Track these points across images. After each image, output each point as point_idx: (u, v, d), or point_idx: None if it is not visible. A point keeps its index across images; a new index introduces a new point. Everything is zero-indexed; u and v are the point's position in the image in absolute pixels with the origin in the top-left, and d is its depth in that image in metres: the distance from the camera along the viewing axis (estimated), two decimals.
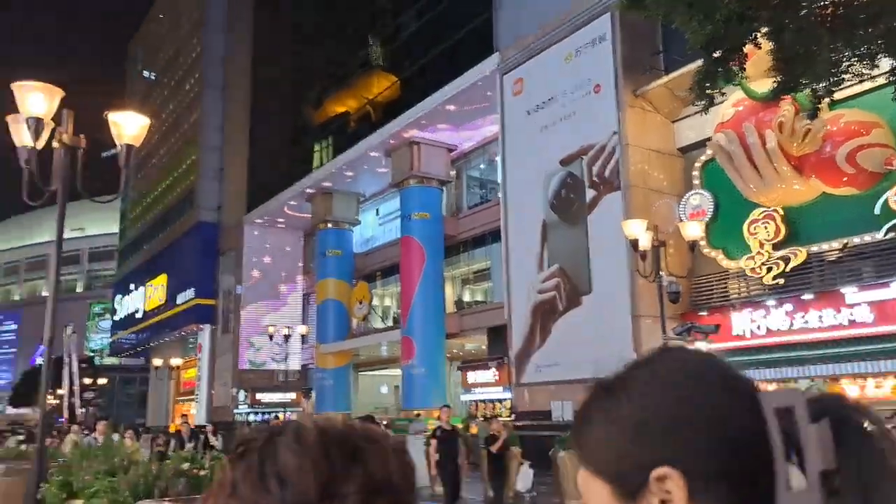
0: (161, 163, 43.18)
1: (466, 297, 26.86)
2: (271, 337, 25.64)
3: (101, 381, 42.91)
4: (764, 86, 15.06)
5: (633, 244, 11.19)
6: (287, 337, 27.76)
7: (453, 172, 25.89)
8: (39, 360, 60.31)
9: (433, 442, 9.99)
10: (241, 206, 34.27)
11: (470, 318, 23.84)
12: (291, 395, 32.10)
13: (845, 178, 14.23)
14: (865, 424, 0.62)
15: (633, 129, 17.47)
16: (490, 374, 21.74)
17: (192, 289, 35.38)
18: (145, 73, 48.77)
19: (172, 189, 40.45)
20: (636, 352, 16.35)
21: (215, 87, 37.93)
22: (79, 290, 71.45)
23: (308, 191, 29.53)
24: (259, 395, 31.33)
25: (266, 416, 29.52)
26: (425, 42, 24.69)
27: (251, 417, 30.38)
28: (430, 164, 24.39)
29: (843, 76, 7.16)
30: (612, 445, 0.67)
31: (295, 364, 32.91)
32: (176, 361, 39.48)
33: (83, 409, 38.76)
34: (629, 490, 0.64)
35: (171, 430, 26.24)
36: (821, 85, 7.15)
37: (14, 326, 71.92)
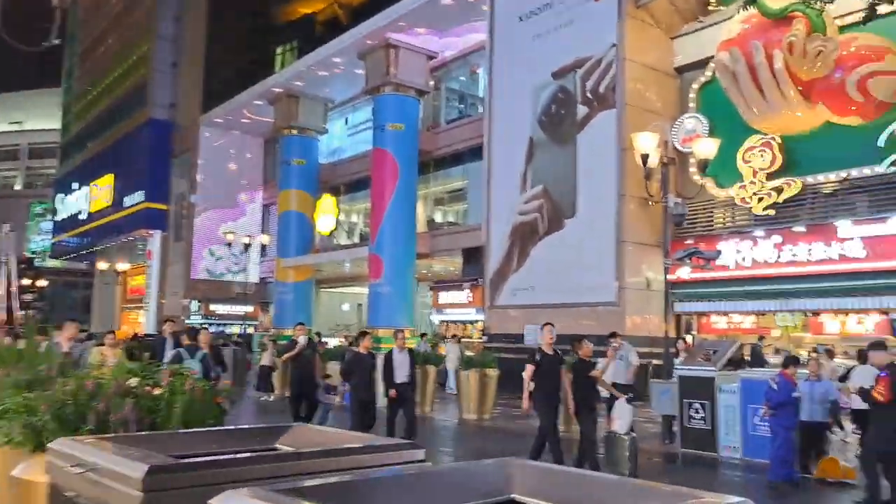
0: (110, 52, 39.89)
1: (438, 218, 25.97)
2: (230, 245, 24.25)
3: (41, 283, 41.01)
4: (777, 3, 14.20)
5: (643, 159, 10.38)
6: (247, 247, 26.49)
7: (432, 83, 24.43)
8: None
9: (530, 368, 8.15)
10: (197, 105, 32.03)
11: (443, 239, 23.02)
12: (248, 308, 31.13)
13: (853, 107, 13.61)
14: None
15: (631, 44, 16.42)
16: (463, 296, 21.17)
17: (142, 191, 33.39)
18: None
19: (122, 82, 37.52)
20: (619, 279, 15.89)
21: None
22: (17, 187, 67.70)
23: (272, 91, 27.63)
24: (213, 307, 30.26)
25: (221, 328, 28.58)
26: None
27: (210, 329, 29.41)
28: (408, 71, 22.86)
29: None
30: None
31: (254, 277, 31.79)
32: (122, 267, 37.77)
33: (22, 312, 37.10)
34: None
35: (119, 336, 24.96)
36: None
37: None
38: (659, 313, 13.78)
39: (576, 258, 16.43)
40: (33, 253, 61.18)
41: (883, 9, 9.37)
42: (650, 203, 12.01)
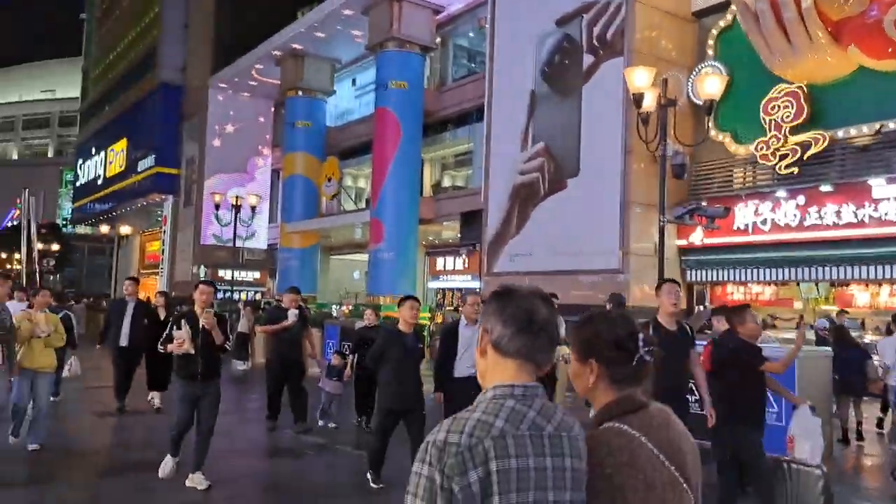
0: (124, 16, 39.33)
1: (446, 182, 24.77)
2: (237, 209, 23.51)
3: (55, 247, 41.15)
4: None
5: (636, 100, 9.02)
6: (253, 209, 25.73)
7: (438, 40, 23.08)
8: (9, 225, 58.33)
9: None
10: (206, 67, 31.23)
11: (447, 203, 21.85)
12: (256, 274, 30.50)
13: (891, 49, 11.92)
14: None
15: None
16: (460, 262, 20.02)
17: (153, 156, 32.90)
18: None
19: (134, 45, 36.93)
20: (623, 243, 14.56)
21: None
22: (50, 154, 68.58)
23: (277, 53, 26.58)
24: (221, 273, 29.69)
25: (228, 294, 28.02)
26: None
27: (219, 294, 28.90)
28: (413, 26, 21.55)
29: None
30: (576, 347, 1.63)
31: (261, 243, 31.15)
32: (125, 230, 37.39)
33: (43, 278, 37.24)
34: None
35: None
36: None
37: None
38: None
39: (578, 221, 15.13)
40: (64, 220, 62.00)
41: None
42: (650, 149, 10.63)
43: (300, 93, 26.32)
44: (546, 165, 16.03)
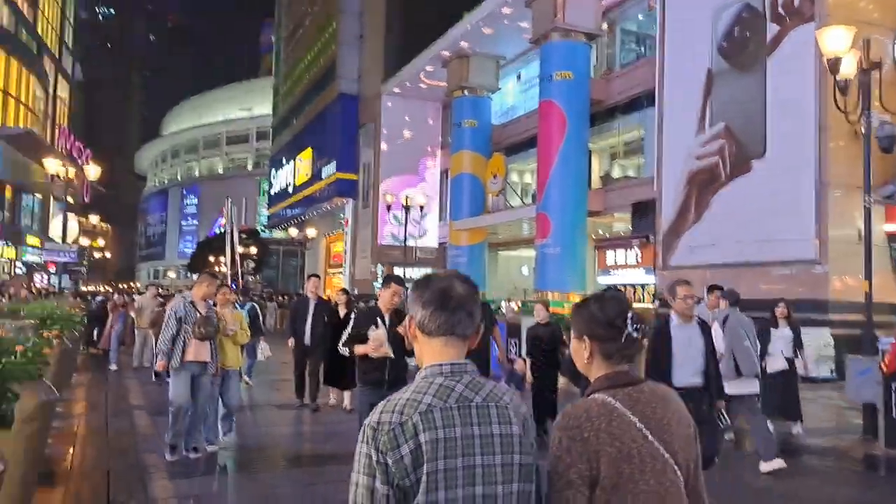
0: (307, 33, 42.53)
1: (616, 173, 23.83)
2: (407, 209, 24.55)
3: (253, 250, 45.27)
4: None
5: (832, 66, 7.94)
6: (421, 208, 26.64)
7: (605, 26, 22.25)
8: (217, 231, 65.57)
9: None
10: (379, 76, 32.80)
11: (617, 194, 21.01)
12: (428, 271, 31.44)
13: None
14: None
15: None
16: (632, 256, 19.07)
17: (334, 162, 35.19)
18: None
19: (316, 61, 39.79)
20: (820, 230, 13.01)
21: None
22: (249, 167, 75.84)
23: (444, 53, 27.18)
24: (397, 270, 30.99)
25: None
26: None
27: None
28: (577, 14, 20.93)
29: None
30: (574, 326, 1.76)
31: (432, 241, 32.09)
32: (311, 233, 40.20)
33: (244, 278, 41.31)
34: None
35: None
36: None
37: (195, 200, 78.53)
38: (878, 273, 10.84)
39: (766, 207, 13.78)
40: (262, 225, 68.38)
41: None
42: (850, 119, 9.33)
43: (465, 92, 26.71)
44: (727, 147, 14.80)
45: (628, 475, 1.56)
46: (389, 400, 1.53)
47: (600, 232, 23.31)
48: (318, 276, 10.22)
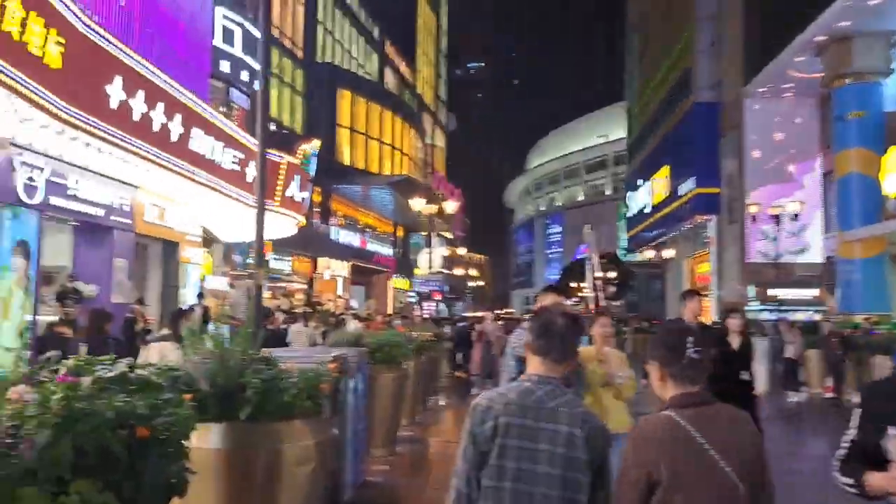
0: (657, 49, 41.37)
1: None
2: (777, 220, 21.70)
3: (612, 274, 45.15)
4: None
5: None
6: (796, 216, 23.37)
7: None
8: (580, 257, 67.64)
9: None
10: (739, 78, 30.01)
11: None
12: (814, 292, 27.41)
13: None
14: None
15: None
16: None
17: (693, 178, 33.10)
18: None
19: (669, 75, 38.27)
20: None
21: None
22: (607, 192, 76.95)
23: (819, 38, 23.63)
24: (771, 291, 27.68)
25: (780, 315, 25.91)
26: None
27: (763, 315, 27.11)
28: None
29: None
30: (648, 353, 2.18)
31: (816, 256, 27.92)
32: (668, 254, 38.26)
33: (610, 302, 41.58)
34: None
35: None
36: None
37: (559, 229, 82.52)
38: None
39: None
40: (623, 249, 68.44)
41: None
42: None
43: (848, 80, 22.79)
44: None
45: (686, 481, 1.86)
46: (487, 392, 2.30)
47: None
48: (698, 294, 7.49)
